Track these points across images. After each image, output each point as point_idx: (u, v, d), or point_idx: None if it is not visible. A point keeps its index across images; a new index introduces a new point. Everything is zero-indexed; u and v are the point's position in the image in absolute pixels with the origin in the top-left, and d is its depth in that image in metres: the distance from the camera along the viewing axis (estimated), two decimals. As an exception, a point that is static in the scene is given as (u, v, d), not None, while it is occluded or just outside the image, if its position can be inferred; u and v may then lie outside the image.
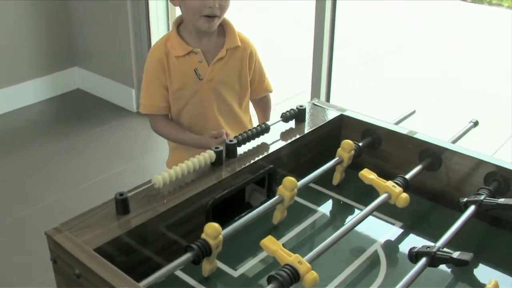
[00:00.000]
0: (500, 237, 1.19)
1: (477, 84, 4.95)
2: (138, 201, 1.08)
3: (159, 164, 3.12)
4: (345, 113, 1.40)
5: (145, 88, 1.85)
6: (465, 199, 1.14)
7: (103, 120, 3.64)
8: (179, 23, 1.83)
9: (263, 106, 1.98)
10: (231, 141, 1.20)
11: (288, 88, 4.43)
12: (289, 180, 1.12)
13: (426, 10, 7.64)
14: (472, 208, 1.12)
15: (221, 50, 1.80)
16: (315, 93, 2.79)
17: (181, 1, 1.77)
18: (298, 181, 1.17)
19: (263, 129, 1.26)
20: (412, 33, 6.50)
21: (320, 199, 1.28)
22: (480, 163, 1.22)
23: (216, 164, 1.17)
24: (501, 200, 1.11)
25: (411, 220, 1.22)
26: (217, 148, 1.17)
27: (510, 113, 4.25)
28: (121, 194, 1.04)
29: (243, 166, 1.19)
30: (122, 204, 1.04)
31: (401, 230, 1.20)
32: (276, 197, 1.13)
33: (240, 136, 1.22)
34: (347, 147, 1.26)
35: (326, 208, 1.27)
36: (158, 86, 1.81)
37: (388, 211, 1.19)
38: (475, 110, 4.23)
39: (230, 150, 1.20)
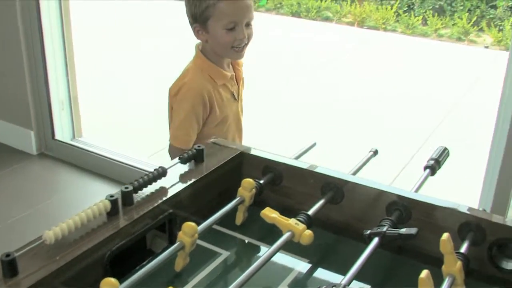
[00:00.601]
0: (406, 265, 1.19)
1: (374, 111, 5.09)
2: (29, 259, 1.00)
3: (64, 207, 3.01)
4: (245, 151, 1.37)
5: (183, 121, 1.86)
6: (368, 232, 1.13)
7: (2, 164, 3.48)
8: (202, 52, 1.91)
9: None
10: (126, 188, 1.14)
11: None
12: (189, 225, 1.08)
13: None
14: (375, 241, 1.11)
15: (238, 69, 1.95)
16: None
17: (208, 36, 1.85)
18: (200, 223, 1.13)
19: (160, 173, 1.21)
20: (311, 62, 6.64)
21: (224, 240, 1.24)
22: (381, 193, 1.23)
23: (112, 213, 1.11)
24: (403, 230, 1.11)
25: (318, 255, 1.21)
26: (112, 196, 1.12)
27: (406, 140, 4.39)
28: (7, 255, 0.96)
29: (141, 213, 1.14)
30: (9, 266, 0.96)
31: (309, 266, 1.18)
32: (177, 243, 1.09)
33: (136, 182, 1.17)
34: (247, 186, 1.23)
35: (231, 249, 1.23)
36: (195, 121, 1.85)
37: (294, 248, 1.17)
38: (374, 138, 4.33)
39: (126, 197, 1.14)
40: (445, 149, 1.52)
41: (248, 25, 1.85)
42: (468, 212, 1.17)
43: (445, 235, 1.01)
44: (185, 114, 1.86)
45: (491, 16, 8.46)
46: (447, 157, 1.51)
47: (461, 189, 3.15)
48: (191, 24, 1.90)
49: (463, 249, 1.10)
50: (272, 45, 6.80)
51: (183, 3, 1.91)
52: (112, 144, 3.59)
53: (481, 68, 6.52)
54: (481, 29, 8.38)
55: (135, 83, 5.51)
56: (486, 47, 7.93)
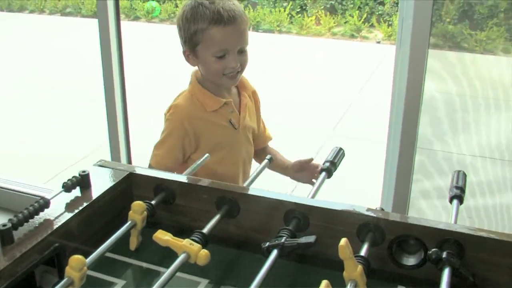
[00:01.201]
0: (308, 273, 1.17)
1: (273, 115, 5.10)
2: None
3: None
4: (134, 171, 1.31)
5: (162, 142, 1.77)
6: (267, 244, 1.10)
7: None
8: (197, 77, 1.81)
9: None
10: (4, 225, 1.06)
11: (84, 145, 4.26)
12: (75, 259, 1.00)
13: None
14: (275, 253, 1.08)
15: (243, 97, 1.84)
16: (114, 148, 2.66)
17: (198, 61, 1.74)
18: (92, 252, 1.06)
19: (42, 205, 1.13)
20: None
21: (119, 268, 1.17)
22: (278, 202, 1.19)
23: (-10, 255, 1.03)
24: (302, 240, 1.08)
25: (219, 272, 1.16)
26: (-13, 237, 1.03)
27: (306, 141, 4.41)
28: None
29: (24, 250, 1.05)
30: None
31: (210, 286, 1.13)
32: (65, 280, 1.01)
33: (15, 218, 1.08)
34: (138, 209, 1.16)
35: (127, 277, 1.17)
36: (174, 144, 1.75)
37: (193, 268, 1.11)
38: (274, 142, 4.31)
39: (4, 236, 1.05)
40: (340, 149, 1.50)
41: (241, 51, 1.73)
42: (365, 213, 1.16)
43: (343, 241, 0.99)
44: (165, 135, 1.78)
45: (379, 12, 8.73)
46: (343, 157, 1.50)
47: (364, 190, 3.19)
48: (182, 47, 1.79)
49: (363, 251, 1.09)
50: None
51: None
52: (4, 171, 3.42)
53: (375, 62, 6.70)
54: (372, 25, 8.64)
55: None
56: (378, 42, 8.18)
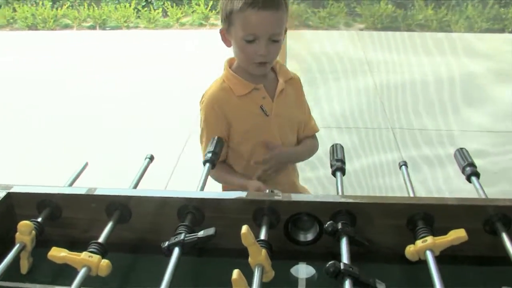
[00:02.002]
0: (211, 264, 1.17)
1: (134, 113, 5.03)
2: None
3: None
4: (12, 190, 1.23)
5: (204, 135, 1.77)
6: (166, 243, 1.08)
7: None
8: (231, 63, 1.78)
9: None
10: None
11: None
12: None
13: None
14: (177, 250, 1.06)
15: (279, 83, 1.78)
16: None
17: (232, 44, 1.71)
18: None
19: None
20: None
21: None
22: (167, 200, 1.18)
23: None
24: (201, 233, 1.08)
25: (119, 281, 1.13)
26: None
27: (170, 140, 4.37)
28: None
29: None
30: None
31: (113, 295, 1.10)
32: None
33: None
34: (25, 230, 1.10)
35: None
36: (211, 132, 1.71)
37: (93, 280, 1.08)
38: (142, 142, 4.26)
39: None
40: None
41: (273, 40, 1.66)
42: (258, 198, 1.18)
43: (244, 228, 1.00)
44: (202, 125, 1.79)
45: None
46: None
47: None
48: (221, 25, 1.74)
49: (263, 235, 1.10)
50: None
51: None
52: None
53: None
54: (218, 12, 8.70)
55: None
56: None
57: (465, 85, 5.64)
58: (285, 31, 1.73)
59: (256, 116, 1.76)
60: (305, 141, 1.89)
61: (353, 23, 8.54)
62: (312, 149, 1.92)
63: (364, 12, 8.44)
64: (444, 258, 1.04)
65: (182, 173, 3.79)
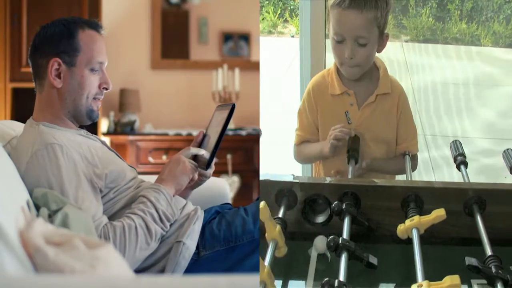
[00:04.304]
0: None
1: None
2: None
3: None
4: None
5: (299, 119, 1.80)
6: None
7: None
8: None
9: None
10: None
11: None
12: None
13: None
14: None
15: (372, 95, 1.70)
16: None
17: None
18: None
19: None
20: None
21: None
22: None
23: None
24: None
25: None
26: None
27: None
28: None
29: None
30: None
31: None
32: None
33: None
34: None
35: None
36: (305, 116, 1.76)
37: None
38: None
39: None
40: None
41: (361, 44, 1.60)
42: (280, 180, 1.32)
43: (262, 204, 1.14)
44: (300, 108, 1.81)
45: (291, 7, 8.97)
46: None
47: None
48: None
49: (280, 213, 1.26)
50: None
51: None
52: None
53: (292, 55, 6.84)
54: (285, 20, 8.86)
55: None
56: (292, 36, 8.39)
57: None
58: (382, 35, 1.66)
59: (338, 118, 1.72)
60: (394, 159, 1.80)
61: (399, 35, 8.57)
62: (396, 170, 1.81)
63: (409, 24, 8.44)
64: (430, 239, 1.20)
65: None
